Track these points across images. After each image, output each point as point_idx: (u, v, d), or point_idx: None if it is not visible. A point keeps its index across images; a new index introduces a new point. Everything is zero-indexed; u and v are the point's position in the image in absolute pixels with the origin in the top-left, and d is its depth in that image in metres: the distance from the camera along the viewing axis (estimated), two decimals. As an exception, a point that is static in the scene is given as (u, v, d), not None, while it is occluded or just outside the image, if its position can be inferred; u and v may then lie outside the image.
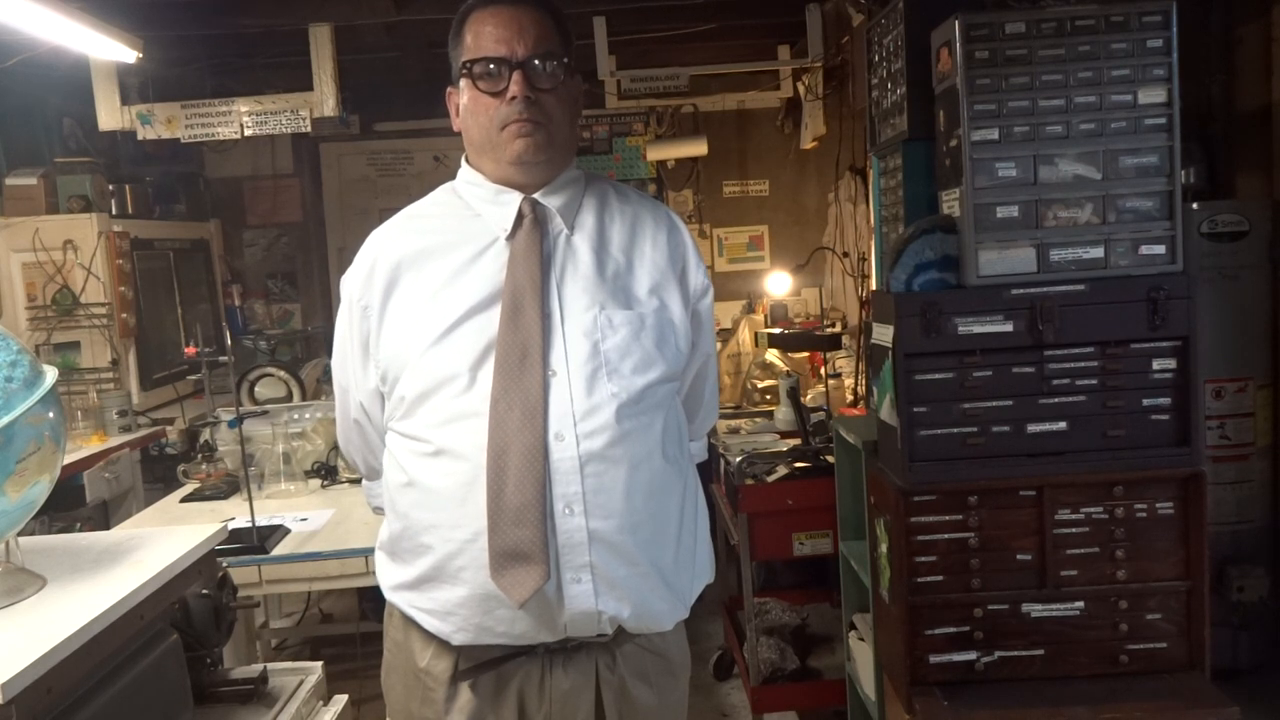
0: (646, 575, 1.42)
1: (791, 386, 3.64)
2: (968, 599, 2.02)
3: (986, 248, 1.96)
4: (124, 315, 4.31)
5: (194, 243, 5.37)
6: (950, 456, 2.00)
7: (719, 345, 4.42)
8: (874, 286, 3.37)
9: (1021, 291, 1.95)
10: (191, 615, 1.49)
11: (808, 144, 5.18)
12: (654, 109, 5.67)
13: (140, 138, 4.32)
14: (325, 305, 5.92)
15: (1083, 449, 1.98)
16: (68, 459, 2.74)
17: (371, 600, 3.79)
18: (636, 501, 1.40)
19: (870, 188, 3.26)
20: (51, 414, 1.31)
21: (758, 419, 3.97)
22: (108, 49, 3.74)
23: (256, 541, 2.56)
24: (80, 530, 3.26)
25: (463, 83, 1.46)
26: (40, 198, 4.28)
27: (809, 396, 4.03)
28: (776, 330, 4.31)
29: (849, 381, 4.04)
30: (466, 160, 1.54)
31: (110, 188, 4.64)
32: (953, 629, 2.03)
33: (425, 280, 1.45)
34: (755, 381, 4.37)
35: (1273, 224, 2.54)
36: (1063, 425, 1.98)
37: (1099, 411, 1.98)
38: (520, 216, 1.46)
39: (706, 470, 1.80)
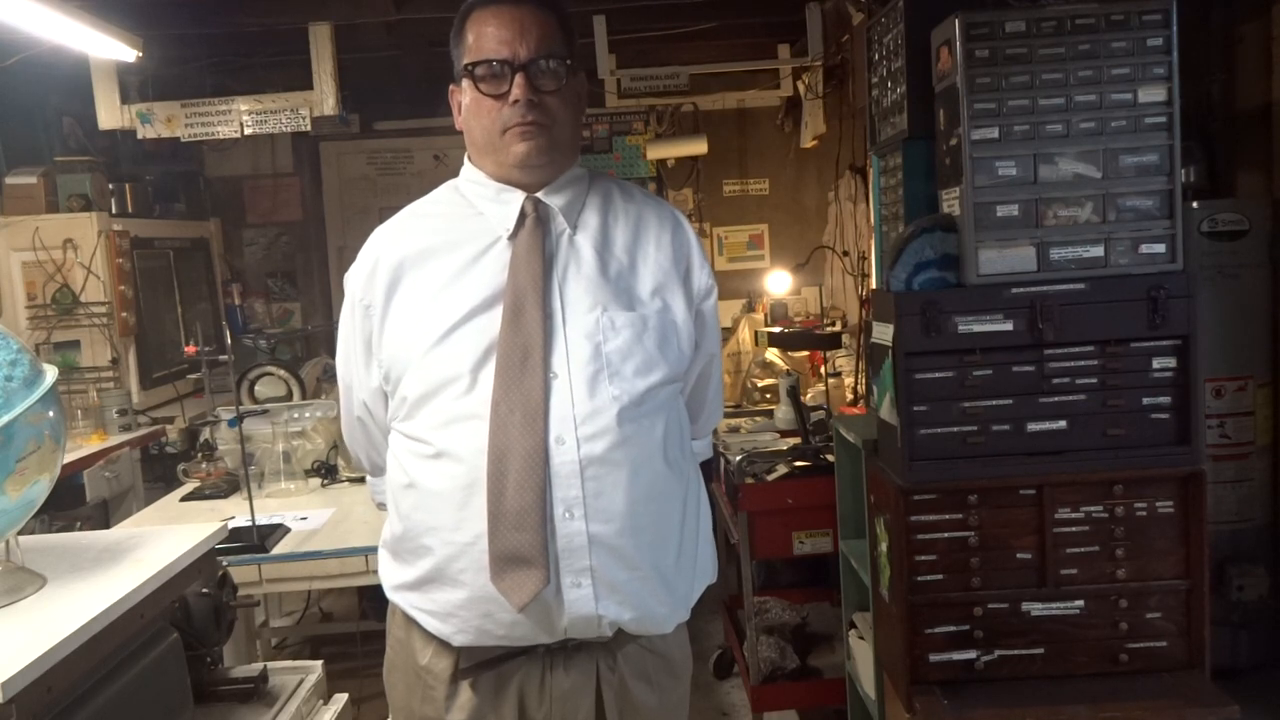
0: (647, 579, 1.42)
1: (791, 385, 3.64)
2: (968, 598, 2.02)
3: (986, 246, 1.96)
4: (124, 314, 4.31)
5: (194, 242, 5.37)
6: (950, 455, 2.00)
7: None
8: (874, 285, 3.37)
9: (1021, 290, 1.95)
10: (191, 614, 1.49)
11: (808, 143, 5.18)
12: (654, 108, 5.66)
13: (140, 137, 4.32)
14: (325, 304, 5.92)
15: (1083, 448, 1.98)
16: (68, 458, 2.74)
17: (372, 599, 3.79)
18: (637, 505, 1.39)
19: (870, 186, 3.26)
20: (51, 413, 1.31)
21: (758, 418, 3.97)
22: (107, 48, 3.74)
23: (256, 540, 2.56)
24: (80, 529, 3.26)
25: (464, 82, 1.46)
26: (40, 197, 4.28)
27: (809, 395, 4.04)
28: (776, 329, 4.31)
29: (849, 380, 4.04)
30: (469, 158, 1.53)
31: (110, 187, 4.64)
32: (953, 628, 2.03)
33: (427, 280, 1.45)
34: (755, 380, 4.37)
35: (1273, 223, 2.54)
36: (1063, 424, 1.98)
37: (1099, 410, 1.98)
38: (523, 216, 1.45)
39: (707, 469, 1.80)
